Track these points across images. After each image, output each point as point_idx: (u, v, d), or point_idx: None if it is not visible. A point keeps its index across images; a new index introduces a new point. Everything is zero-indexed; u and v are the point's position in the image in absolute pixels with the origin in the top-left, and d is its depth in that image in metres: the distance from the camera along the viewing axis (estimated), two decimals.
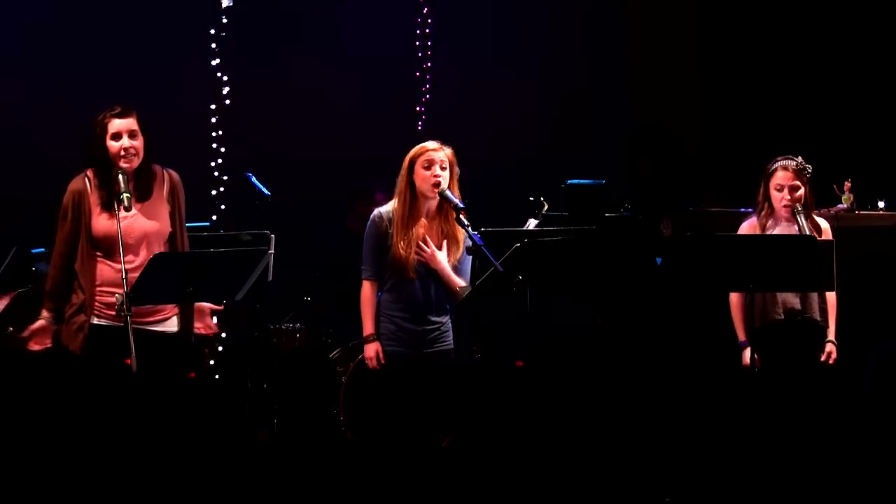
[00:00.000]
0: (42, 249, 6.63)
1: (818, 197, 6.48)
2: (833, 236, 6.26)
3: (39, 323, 5.46)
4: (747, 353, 6.27)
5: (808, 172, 6.29)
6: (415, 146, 5.91)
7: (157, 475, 5.46)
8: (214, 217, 8.39)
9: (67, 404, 5.90)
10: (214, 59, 8.55)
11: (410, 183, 5.86)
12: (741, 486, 6.30)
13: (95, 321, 5.41)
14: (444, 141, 5.92)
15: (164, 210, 5.53)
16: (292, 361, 7.94)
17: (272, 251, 6.37)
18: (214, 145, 8.55)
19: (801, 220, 6.16)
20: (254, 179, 7.61)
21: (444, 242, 5.88)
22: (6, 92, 8.13)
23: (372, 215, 5.96)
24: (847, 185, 7.74)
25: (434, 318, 5.91)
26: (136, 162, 5.44)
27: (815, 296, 6.26)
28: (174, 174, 5.61)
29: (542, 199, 7.27)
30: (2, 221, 7.60)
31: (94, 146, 5.44)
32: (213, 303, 5.69)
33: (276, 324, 8.02)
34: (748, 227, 6.37)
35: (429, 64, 9.28)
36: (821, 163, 6.42)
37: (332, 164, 8.71)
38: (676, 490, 6.55)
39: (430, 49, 9.27)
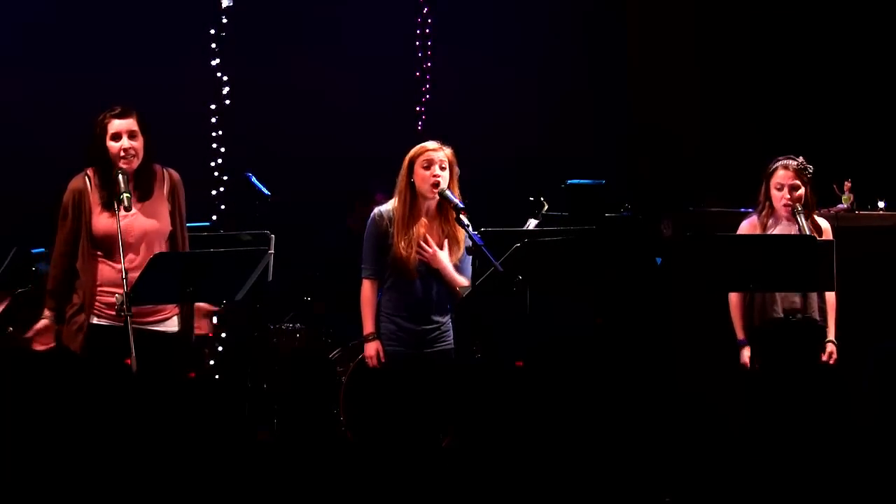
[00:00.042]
0: (42, 249, 6.63)
1: (818, 197, 6.48)
2: (833, 236, 6.26)
3: (42, 323, 5.46)
4: (746, 352, 6.28)
5: (809, 173, 6.29)
6: (415, 146, 5.91)
7: (157, 475, 5.46)
8: (214, 217, 8.39)
9: (68, 404, 5.90)
10: (214, 59, 8.55)
11: (410, 183, 5.86)
12: (741, 486, 6.30)
13: (95, 321, 5.41)
14: (444, 141, 5.92)
15: (165, 209, 5.52)
16: (292, 361, 7.94)
17: (272, 251, 6.37)
18: (214, 145, 8.54)
19: (801, 220, 6.16)
20: (254, 179, 7.61)
21: (445, 242, 5.88)
22: (6, 92, 8.13)
23: (372, 214, 5.96)
24: (847, 185, 7.74)
25: (434, 318, 5.91)
26: (136, 163, 5.43)
27: (814, 295, 6.26)
28: (174, 173, 5.61)
29: (542, 199, 7.27)
30: (2, 221, 7.61)
31: (94, 146, 5.44)
32: (212, 303, 5.69)
33: (276, 324, 8.02)
34: (748, 226, 6.37)
35: (429, 64, 9.28)
36: (821, 163, 6.42)
37: (332, 164, 8.71)
38: (676, 490, 6.54)
39: (430, 49, 9.27)
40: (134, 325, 5.07)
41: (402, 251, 5.81)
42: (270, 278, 6.37)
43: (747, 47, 9.30)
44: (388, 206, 5.93)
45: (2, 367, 6.72)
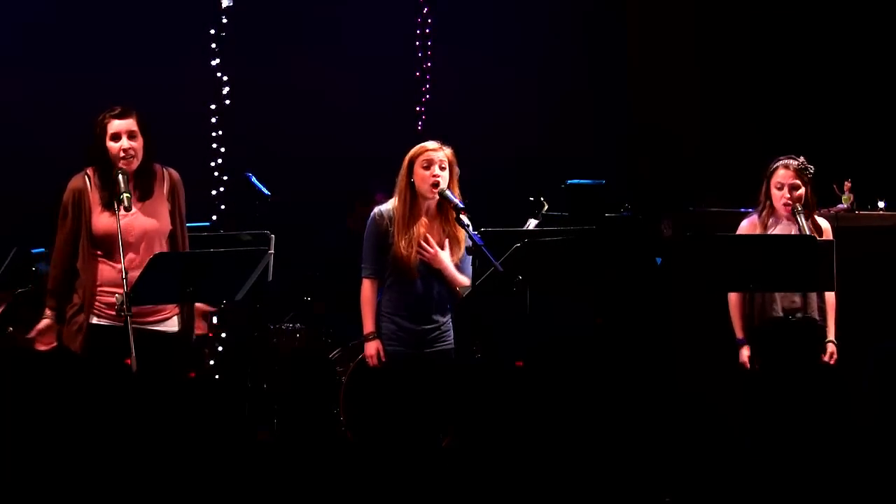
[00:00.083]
0: (42, 249, 6.63)
1: (818, 197, 6.48)
2: (833, 236, 6.26)
3: (44, 322, 5.46)
4: (745, 352, 6.29)
5: (810, 173, 6.29)
6: (415, 146, 5.91)
7: (157, 475, 5.46)
8: (214, 217, 8.39)
9: (68, 404, 5.90)
10: (214, 59, 8.55)
11: (410, 182, 5.86)
12: (741, 486, 6.30)
13: (95, 321, 5.41)
14: (444, 141, 5.92)
15: (165, 208, 5.53)
16: (292, 361, 7.94)
17: (272, 251, 6.37)
18: (214, 145, 8.54)
19: (801, 220, 6.17)
20: (254, 179, 7.61)
21: (446, 242, 5.88)
22: (6, 92, 8.13)
23: (372, 213, 5.96)
24: (847, 185, 7.74)
25: (434, 318, 5.91)
26: (136, 163, 5.43)
27: (814, 294, 6.26)
28: (174, 173, 5.61)
29: (542, 199, 7.27)
30: (2, 221, 7.61)
31: (94, 146, 5.44)
32: (212, 303, 5.69)
33: (276, 324, 8.02)
34: (749, 225, 6.38)
35: (429, 64, 9.28)
36: (821, 163, 6.42)
37: (332, 164, 8.71)
38: (676, 490, 6.54)
39: (430, 49, 9.27)
40: (134, 325, 5.07)
41: (402, 250, 5.81)
42: (270, 278, 6.37)
43: (747, 47, 9.31)
44: (388, 206, 5.93)
45: (2, 367, 6.73)
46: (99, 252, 5.42)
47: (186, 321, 5.56)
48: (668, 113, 9.20)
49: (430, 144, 5.88)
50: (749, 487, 6.24)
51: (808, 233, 6.12)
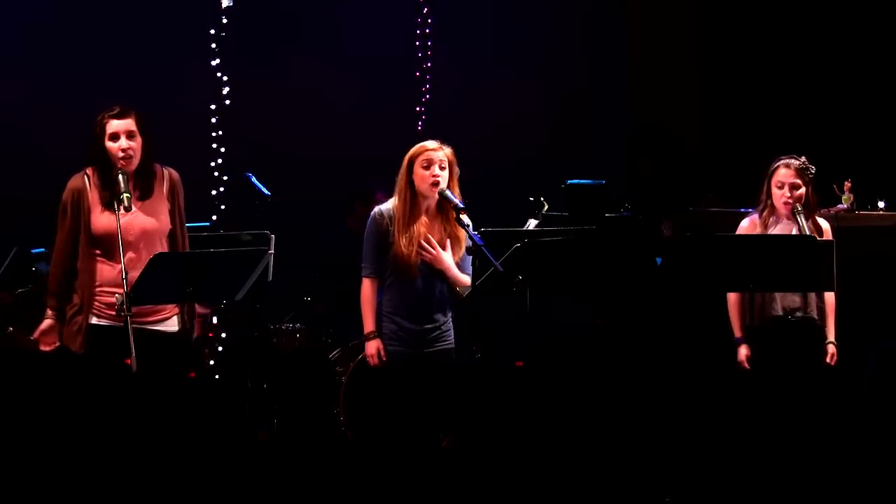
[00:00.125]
0: (42, 249, 6.64)
1: (818, 197, 6.48)
2: (833, 236, 6.26)
3: (46, 323, 5.46)
4: (742, 350, 6.29)
5: (811, 173, 6.29)
6: (414, 145, 5.91)
7: (157, 475, 5.45)
8: (214, 217, 8.39)
9: (68, 404, 5.90)
10: (214, 59, 8.55)
11: (410, 182, 5.86)
12: (741, 486, 6.30)
13: (95, 321, 5.41)
14: (444, 141, 5.92)
15: (164, 208, 5.53)
16: (292, 361, 7.94)
17: (272, 251, 6.37)
18: (214, 145, 8.55)
19: (801, 219, 6.16)
20: (254, 179, 7.61)
21: (448, 242, 5.88)
22: (6, 92, 8.14)
23: (372, 213, 5.95)
24: (847, 185, 7.74)
25: (435, 317, 5.90)
26: (134, 163, 5.43)
27: (814, 294, 6.26)
28: (174, 172, 5.61)
29: (542, 199, 7.27)
30: (2, 221, 7.61)
31: (93, 146, 5.44)
32: (211, 303, 5.69)
33: (276, 324, 8.02)
34: (749, 224, 6.37)
35: (429, 64, 9.28)
36: (821, 163, 6.42)
37: (332, 164, 8.71)
38: (676, 490, 6.54)
39: (430, 49, 9.27)
40: (134, 325, 5.07)
41: (402, 249, 5.81)
42: (270, 278, 6.37)
43: (747, 47, 9.31)
44: (389, 206, 5.92)
45: (2, 367, 6.73)
46: (97, 252, 5.42)
47: (186, 321, 5.56)
48: (668, 113, 9.20)
49: (430, 144, 5.88)
50: (749, 487, 6.24)
51: (807, 233, 6.12)
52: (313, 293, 8.29)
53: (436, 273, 5.87)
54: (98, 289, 5.41)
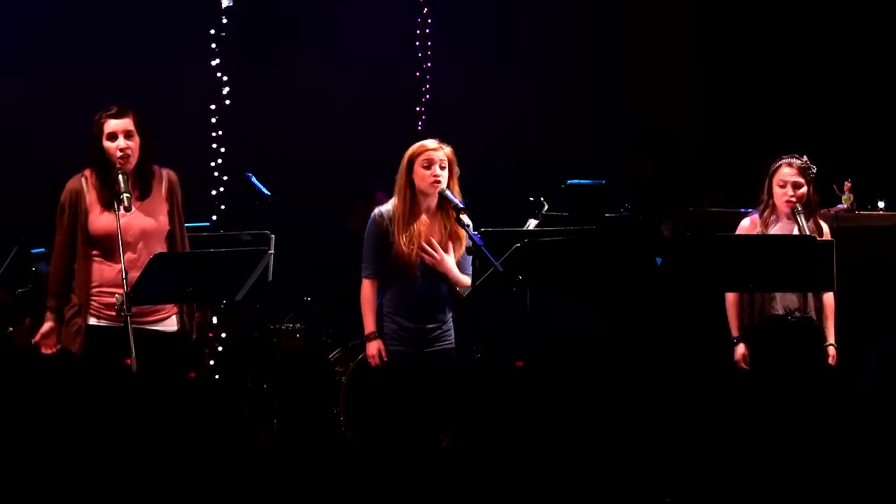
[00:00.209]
0: (42, 249, 6.64)
1: (818, 197, 6.48)
2: (833, 236, 6.26)
3: (47, 325, 5.47)
4: (740, 349, 6.29)
5: (813, 172, 6.28)
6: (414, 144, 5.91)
7: (157, 475, 5.45)
8: (214, 217, 8.40)
9: (68, 405, 5.90)
10: (214, 59, 8.55)
11: (410, 181, 5.85)
12: (741, 486, 6.30)
13: (94, 322, 5.41)
14: (444, 141, 5.92)
15: (163, 208, 5.53)
16: (292, 361, 7.94)
17: (272, 251, 6.37)
18: (214, 145, 8.55)
19: (801, 219, 6.16)
20: (254, 179, 7.61)
21: (449, 242, 5.87)
22: (6, 92, 8.14)
23: (372, 214, 5.95)
24: (847, 185, 7.74)
25: (435, 317, 5.90)
26: (132, 162, 5.43)
27: (813, 294, 6.25)
28: (171, 173, 5.61)
29: (542, 199, 7.27)
30: (2, 221, 7.61)
31: (93, 146, 5.45)
32: (212, 303, 5.69)
33: (276, 324, 8.01)
34: (749, 223, 6.37)
35: (429, 64, 9.28)
36: (821, 163, 6.42)
37: (332, 164, 8.71)
38: (676, 490, 6.54)
39: (430, 49, 9.27)
40: (134, 325, 5.07)
41: (403, 248, 5.80)
42: (270, 278, 6.37)
43: (747, 47, 9.31)
44: (389, 206, 5.92)
45: (2, 367, 6.73)
46: (95, 252, 5.42)
47: (185, 321, 5.56)
48: (668, 113, 9.20)
49: (430, 143, 5.87)
50: (749, 487, 6.24)
51: (807, 233, 6.12)
52: (313, 293, 8.29)
53: (436, 273, 5.87)
54: (97, 289, 5.42)
